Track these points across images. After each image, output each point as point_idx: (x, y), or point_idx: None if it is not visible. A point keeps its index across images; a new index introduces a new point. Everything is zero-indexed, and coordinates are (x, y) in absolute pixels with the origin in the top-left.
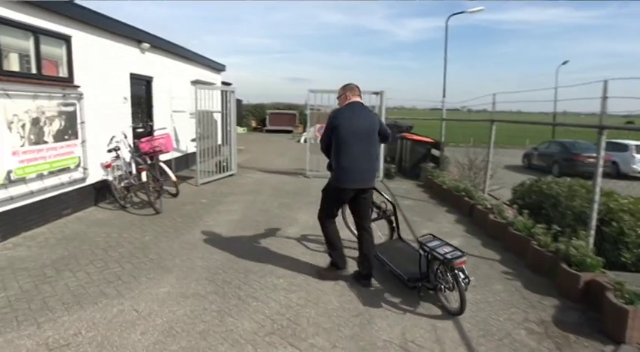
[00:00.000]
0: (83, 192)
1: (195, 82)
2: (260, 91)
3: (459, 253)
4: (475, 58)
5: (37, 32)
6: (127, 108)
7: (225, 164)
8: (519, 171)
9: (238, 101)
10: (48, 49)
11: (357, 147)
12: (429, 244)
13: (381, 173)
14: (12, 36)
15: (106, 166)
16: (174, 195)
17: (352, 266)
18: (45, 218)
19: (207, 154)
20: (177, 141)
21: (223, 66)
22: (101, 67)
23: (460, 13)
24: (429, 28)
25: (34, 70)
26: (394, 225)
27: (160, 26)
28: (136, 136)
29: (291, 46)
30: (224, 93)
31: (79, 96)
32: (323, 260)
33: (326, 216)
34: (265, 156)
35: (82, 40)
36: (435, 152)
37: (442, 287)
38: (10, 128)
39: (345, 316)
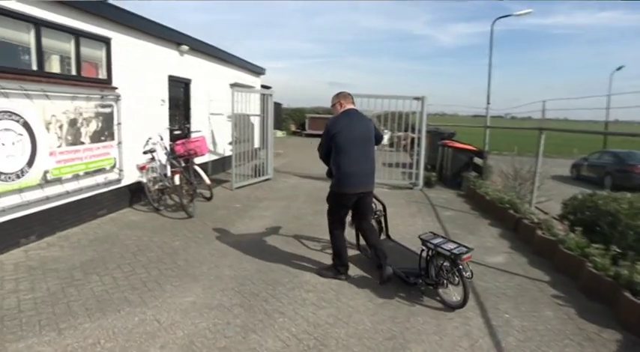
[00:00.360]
0: (118, 194)
1: (233, 85)
2: (300, 95)
3: (465, 249)
4: (521, 64)
5: (78, 35)
6: (165, 110)
7: (261, 168)
8: (568, 182)
9: (278, 105)
10: (88, 51)
11: (357, 153)
12: (433, 241)
13: (420, 181)
14: (54, 38)
15: (141, 168)
16: (208, 199)
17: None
18: (80, 218)
19: (243, 158)
20: (214, 144)
21: (263, 69)
22: (140, 68)
23: (506, 16)
24: (472, 33)
25: (73, 72)
26: (383, 225)
27: (205, 31)
28: (174, 138)
29: (332, 50)
30: (262, 97)
31: (117, 98)
32: (353, 272)
33: (335, 226)
34: (303, 161)
35: (122, 42)
36: (477, 161)
37: (444, 282)
38: (47, 129)
39: (378, 339)
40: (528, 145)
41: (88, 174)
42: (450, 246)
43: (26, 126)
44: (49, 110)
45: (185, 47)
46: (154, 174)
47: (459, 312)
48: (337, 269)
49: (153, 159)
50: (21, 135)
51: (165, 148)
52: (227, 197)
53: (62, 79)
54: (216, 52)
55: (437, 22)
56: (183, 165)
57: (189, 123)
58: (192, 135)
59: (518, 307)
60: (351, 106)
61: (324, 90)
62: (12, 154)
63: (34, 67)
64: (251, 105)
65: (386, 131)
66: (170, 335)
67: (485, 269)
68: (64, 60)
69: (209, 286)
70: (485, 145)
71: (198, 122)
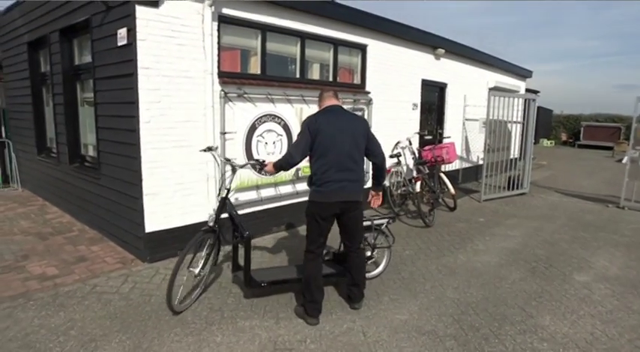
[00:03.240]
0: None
1: (493, 89)
2: (577, 100)
3: (390, 216)
4: None
5: (336, 44)
6: (416, 115)
7: (516, 180)
8: None
9: (547, 111)
10: (344, 58)
11: (339, 155)
12: (376, 221)
13: None
14: (315, 48)
15: (386, 171)
16: (452, 209)
17: None
18: None
19: (496, 168)
20: (467, 151)
21: (529, 72)
22: (392, 73)
23: None
24: None
25: (330, 78)
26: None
27: (478, 36)
28: (424, 144)
29: (623, 47)
30: (524, 102)
31: (369, 102)
32: (626, 332)
33: (310, 248)
34: (569, 176)
35: (376, 48)
36: None
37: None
38: None
39: None
40: None
41: None
42: (381, 220)
43: (285, 127)
44: (305, 113)
45: (441, 50)
46: (398, 179)
47: None
48: (304, 307)
49: (399, 163)
50: (280, 135)
51: (414, 153)
52: (472, 209)
53: (319, 84)
54: (475, 54)
55: None
56: (427, 171)
57: (442, 128)
58: (444, 141)
59: None
60: (332, 102)
61: (609, 95)
62: (272, 152)
63: (297, 75)
64: (511, 110)
65: None
66: None
67: None
68: (322, 67)
69: (426, 307)
70: None
71: (452, 128)
